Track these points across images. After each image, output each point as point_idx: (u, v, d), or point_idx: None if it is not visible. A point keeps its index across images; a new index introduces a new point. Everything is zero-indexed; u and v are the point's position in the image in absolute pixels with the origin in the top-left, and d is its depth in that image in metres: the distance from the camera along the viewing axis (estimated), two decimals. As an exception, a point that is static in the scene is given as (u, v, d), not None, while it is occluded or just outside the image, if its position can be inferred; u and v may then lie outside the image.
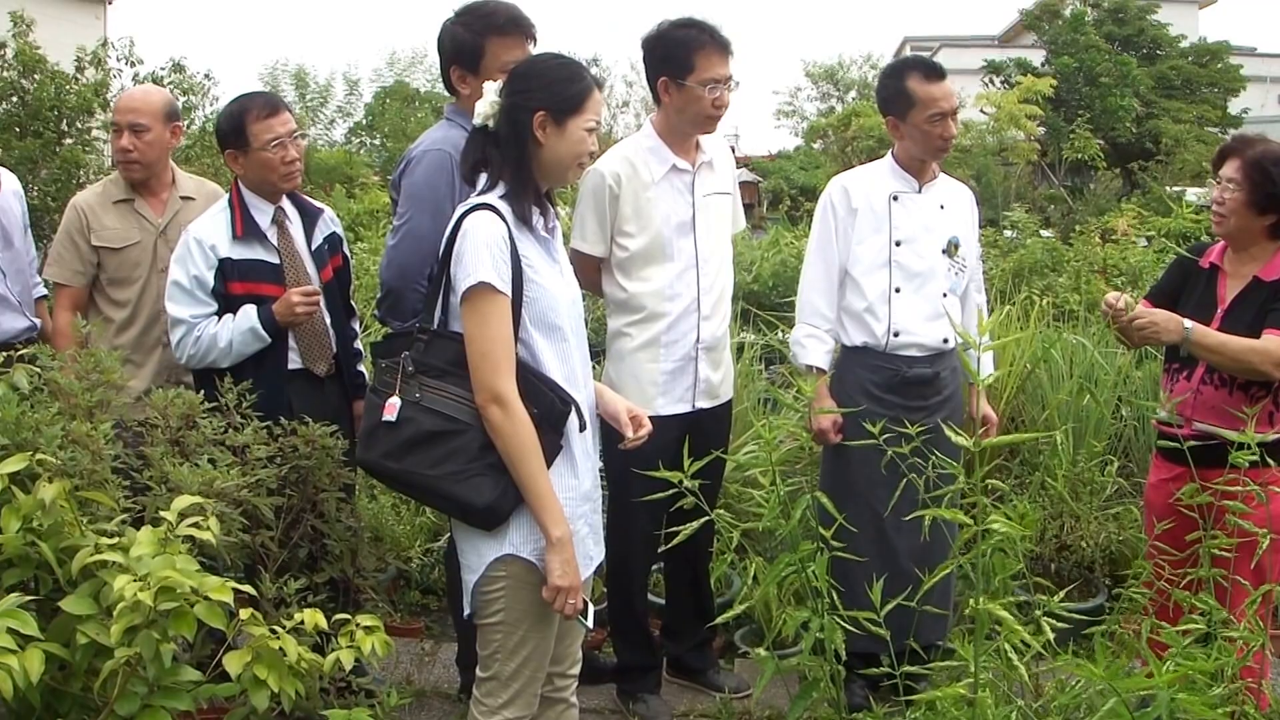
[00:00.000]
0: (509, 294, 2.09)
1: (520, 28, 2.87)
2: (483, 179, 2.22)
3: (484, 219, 2.11)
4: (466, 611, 2.21)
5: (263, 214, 2.95)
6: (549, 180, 2.24)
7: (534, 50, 2.90)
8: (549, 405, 2.12)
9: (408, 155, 2.93)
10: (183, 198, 3.33)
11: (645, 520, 3.01)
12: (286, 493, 2.57)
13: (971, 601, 1.93)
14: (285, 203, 3.02)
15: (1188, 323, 2.74)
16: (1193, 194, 13.14)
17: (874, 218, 3.12)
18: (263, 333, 2.84)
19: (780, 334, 5.19)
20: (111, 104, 4.40)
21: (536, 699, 2.24)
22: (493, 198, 2.16)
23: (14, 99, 7.78)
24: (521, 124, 2.15)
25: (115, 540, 1.74)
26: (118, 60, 8.15)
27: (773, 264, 6.95)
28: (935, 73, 3.08)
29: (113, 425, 2.26)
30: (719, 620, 2.41)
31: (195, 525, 1.79)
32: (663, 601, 3.57)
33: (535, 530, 2.11)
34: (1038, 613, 1.98)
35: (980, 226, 3.51)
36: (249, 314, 2.84)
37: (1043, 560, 3.99)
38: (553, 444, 2.13)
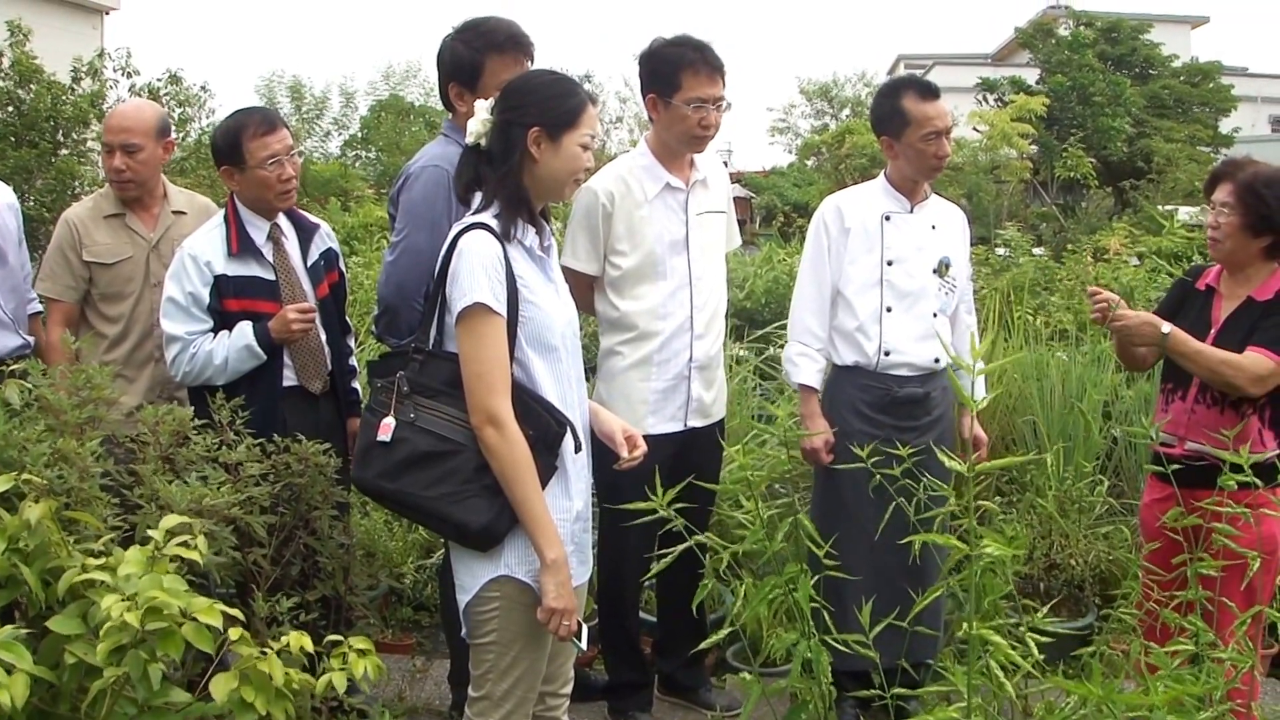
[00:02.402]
0: (504, 315, 2.09)
1: (520, 46, 2.87)
2: (477, 198, 2.22)
3: (479, 239, 2.11)
4: (463, 631, 2.21)
5: (258, 230, 2.95)
6: (544, 197, 2.23)
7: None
8: (544, 427, 2.12)
9: (405, 171, 2.93)
10: (174, 212, 3.32)
11: (637, 539, 3.01)
12: (279, 510, 2.56)
13: (963, 623, 1.93)
14: (281, 219, 3.02)
15: (1165, 327, 2.76)
16: (1184, 213, 13.21)
17: (866, 237, 3.13)
18: (259, 350, 2.83)
19: (773, 349, 5.20)
20: (106, 114, 4.37)
21: (528, 719, 2.24)
22: (487, 217, 2.15)
23: (10, 109, 7.80)
24: (515, 141, 2.15)
25: (102, 560, 1.73)
26: (115, 71, 8.16)
27: (765, 281, 6.95)
28: (930, 92, 3.10)
29: (102, 441, 2.25)
30: (708, 644, 2.40)
31: (184, 544, 1.78)
32: (654, 619, 3.57)
33: (530, 551, 2.11)
34: (1023, 629, 1.98)
35: (972, 244, 3.53)
36: (245, 331, 2.83)
37: (1032, 579, 4.00)
38: (548, 465, 2.13)
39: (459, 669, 3.01)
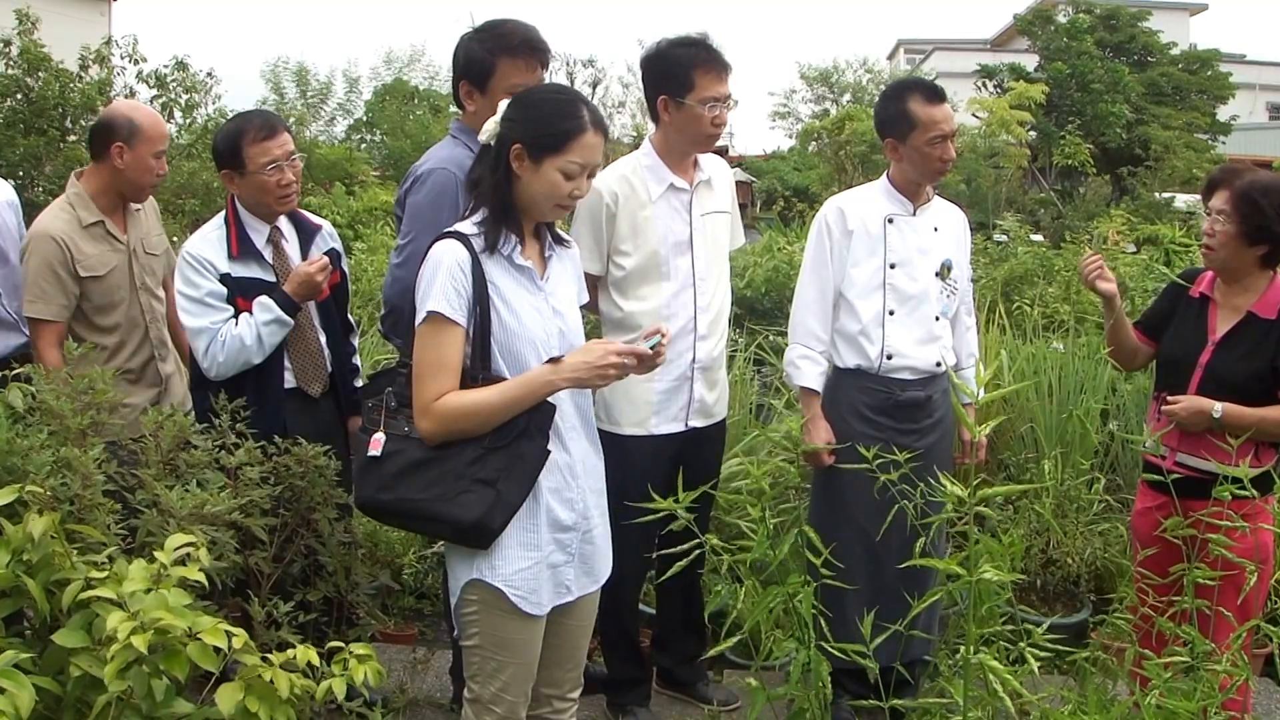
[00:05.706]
0: (461, 322, 2.08)
1: (534, 52, 2.82)
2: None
3: (444, 247, 2.11)
4: (455, 631, 2.24)
5: (258, 233, 2.94)
6: (529, 215, 2.21)
7: (545, 76, 2.88)
8: (536, 407, 2.10)
9: (412, 173, 2.91)
10: (134, 210, 3.28)
11: (638, 538, 3.02)
12: (280, 512, 2.57)
13: (959, 632, 1.95)
14: (281, 221, 3.00)
15: (1217, 409, 2.72)
16: (1181, 200, 13.21)
17: (869, 240, 3.12)
18: (286, 318, 2.84)
19: (771, 338, 5.21)
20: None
21: None
22: (467, 225, 2.16)
23: (19, 96, 7.78)
24: (502, 152, 2.15)
25: (106, 573, 1.74)
26: (122, 58, 8.14)
27: (766, 270, 6.95)
28: (936, 95, 3.08)
29: (105, 447, 2.25)
30: (714, 652, 2.42)
31: (187, 557, 1.79)
32: (653, 611, 3.58)
33: (501, 556, 2.12)
34: (1021, 644, 1.99)
35: (971, 230, 3.50)
36: (266, 304, 2.82)
37: (1029, 575, 4.02)
38: (540, 449, 2.11)
39: (459, 662, 3.03)
